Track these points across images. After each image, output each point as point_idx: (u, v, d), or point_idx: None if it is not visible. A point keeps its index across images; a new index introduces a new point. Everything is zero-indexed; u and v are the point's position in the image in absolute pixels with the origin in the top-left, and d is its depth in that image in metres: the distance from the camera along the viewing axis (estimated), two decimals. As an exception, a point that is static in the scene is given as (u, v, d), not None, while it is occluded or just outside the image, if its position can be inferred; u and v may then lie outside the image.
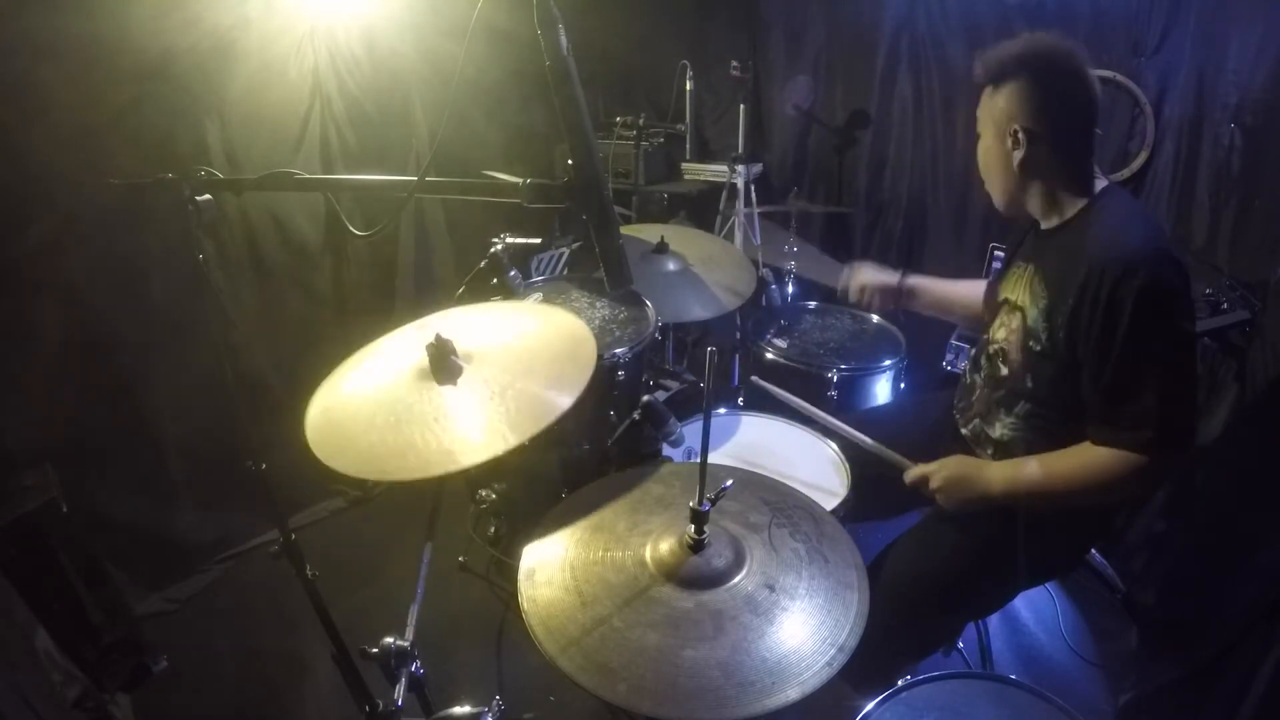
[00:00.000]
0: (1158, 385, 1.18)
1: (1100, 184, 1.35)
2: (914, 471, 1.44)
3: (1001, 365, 1.45)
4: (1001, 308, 1.48)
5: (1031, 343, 1.34)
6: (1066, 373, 1.29)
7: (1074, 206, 1.34)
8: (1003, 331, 1.45)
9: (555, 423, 1.04)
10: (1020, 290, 1.41)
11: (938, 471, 1.40)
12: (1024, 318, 1.38)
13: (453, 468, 0.97)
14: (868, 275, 1.85)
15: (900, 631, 1.37)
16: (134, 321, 2.00)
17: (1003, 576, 1.41)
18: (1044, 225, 1.40)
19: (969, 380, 1.58)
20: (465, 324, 1.25)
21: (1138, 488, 1.25)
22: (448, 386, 1.10)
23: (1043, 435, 1.38)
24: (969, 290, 1.78)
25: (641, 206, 3.09)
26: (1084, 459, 1.27)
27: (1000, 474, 1.35)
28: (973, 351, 1.65)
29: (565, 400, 1.06)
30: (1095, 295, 1.20)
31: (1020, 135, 1.31)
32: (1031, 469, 1.32)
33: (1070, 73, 1.29)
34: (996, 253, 2.49)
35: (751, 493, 1.18)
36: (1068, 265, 1.28)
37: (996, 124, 1.35)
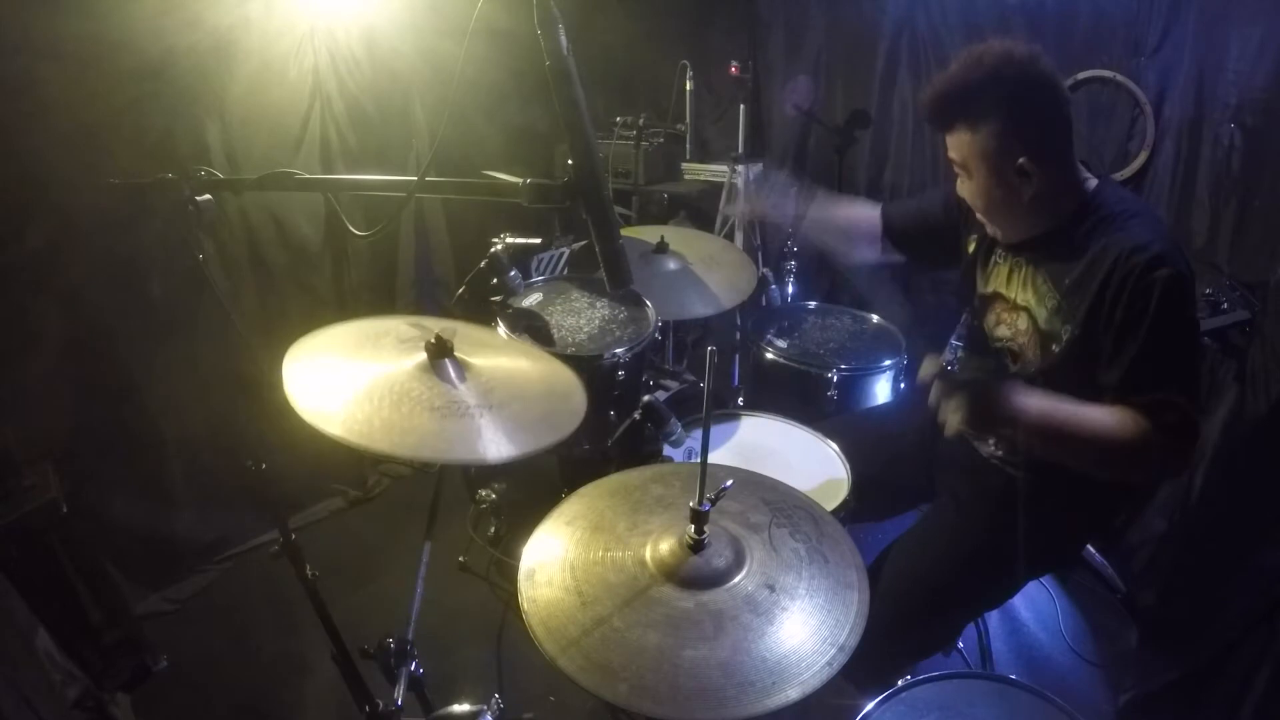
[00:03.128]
0: (1177, 371, 1.17)
1: (1090, 180, 1.33)
2: (933, 388, 1.24)
3: (1012, 364, 1.44)
4: (994, 301, 1.47)
5: (1053, 345, 1.33)
6: (1077, 366, 1.29)
7: (1070, 205, 1.32)
8: (1004, 329, 1.44)
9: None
10: (1018, 288, 1.40)
11: (965, 386, 1.22)
12: (1033, 319, 1.36)
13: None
14: (756, 203, 1.89)
15: (900, 631, 1.37)
16: (134, 322, 2.00)
17: (1002, 571, 1.41)
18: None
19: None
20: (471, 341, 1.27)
21: (1155, 463, 1.17)
22: (446, 385, 1.10)
23: None
24: (854, 214, 1.77)
25: (641, 206, 3.09)
26: (1122, 415, 1.18)
27: (1034, 402, 1.20)
28: (961, 350, 1.65)
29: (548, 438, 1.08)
30: (1120, 287, 1.19)
31: (1028, 165, 1.25)
32: (1067, 409, 1.20)
33: (1045, 81, 1.25)
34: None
35: (751, 493, 1.18)
36: (1080, 264, 1.27)
37: (990, 164, 1.28)
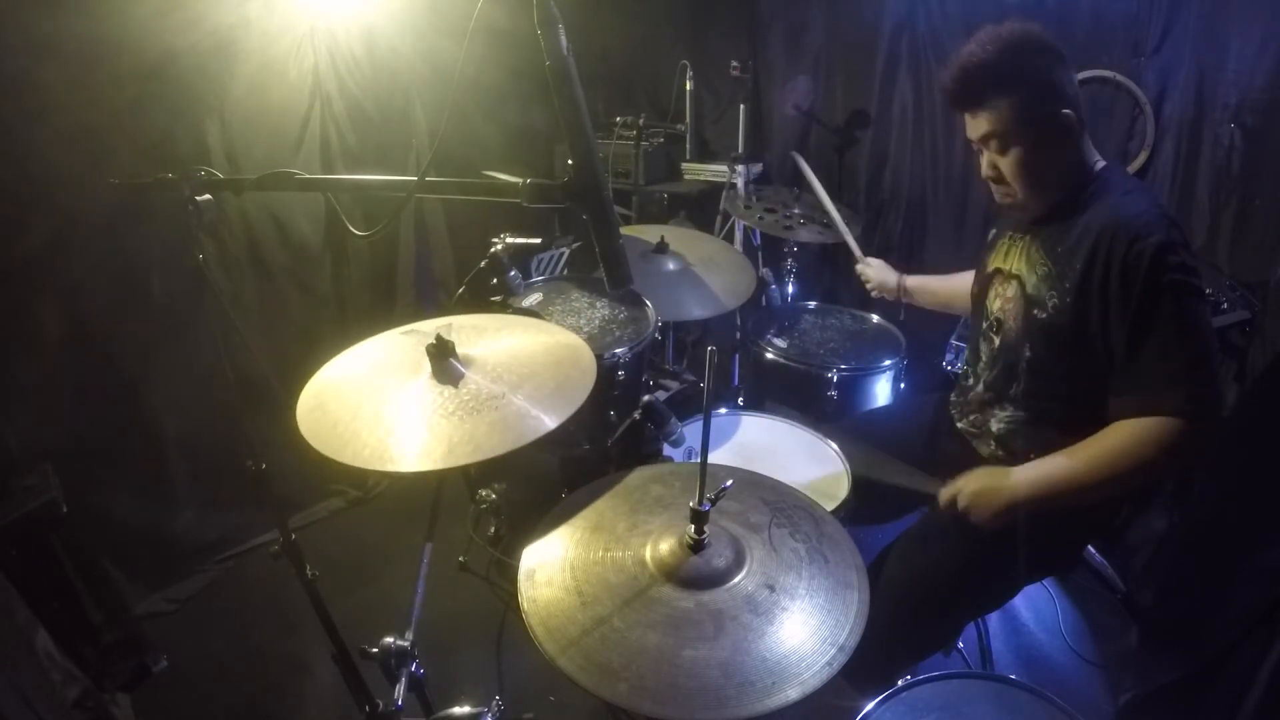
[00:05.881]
0: (1181, 343, 1.16)
1: (1100, 161, 1.34)
2: (944, 495, 1.35)
3: (995, 336, 1.45)
4: (994, 278, 1.48)
5: (1036, 310, 1.33)
6: (1070, 342, 1.29)
7: (1082, 175, 1.32)
8: (998, 302, 1.45)
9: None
10: (1015, 259, 1.42)
11: (962, 489, 1.32)
12: (1022, 285, 1.37)
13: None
14: (874, 274, 1.98)
15: (900, 631, 1.37)
16: (134, 322, 2.00)
17: (1001, 573, 1.41)
18: None
19: (966, 374, 1.59)
20: (469, 329, 1.27)
21: (1178, 456, 1.17)
22: (447, 387, 1.10)
23: (1041, 421, 1.38)
24: (965, 282, 1.79)
25: (641, 206, 3.09)
26: (1119, 435, 1.21)
27: (1027, 475, 1.28)
28: (967, 349, 1.65)
29: (553, 419, 1.07)
30: (1108, 261, 1.20)
31: (1071, 117, 1.26)
32: (1061, 461, 1.26)
33: (1052, 44, 1.28)
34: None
35: (751, 493, 1.18)
36: (1073, 233, 1.28)
37: (1034, 123, 1.27)
